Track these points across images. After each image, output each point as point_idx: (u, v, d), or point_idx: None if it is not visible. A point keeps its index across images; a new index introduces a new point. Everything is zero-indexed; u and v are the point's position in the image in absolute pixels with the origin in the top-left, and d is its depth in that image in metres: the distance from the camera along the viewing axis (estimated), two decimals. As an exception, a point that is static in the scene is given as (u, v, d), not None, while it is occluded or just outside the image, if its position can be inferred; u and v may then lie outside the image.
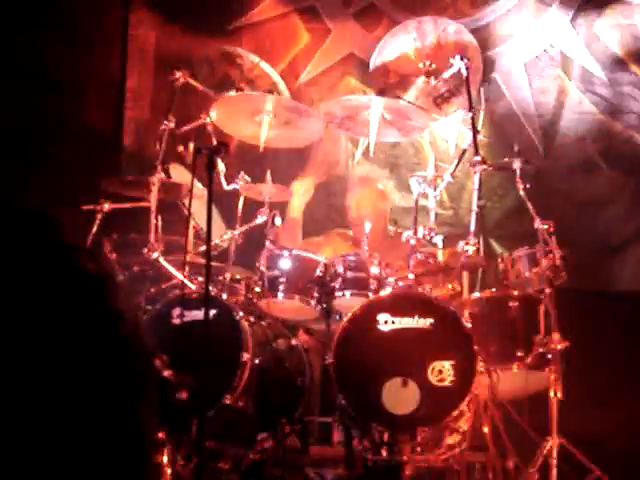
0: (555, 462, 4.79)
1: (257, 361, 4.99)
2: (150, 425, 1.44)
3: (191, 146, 5.29)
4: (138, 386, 1.43)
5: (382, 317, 4.88)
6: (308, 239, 6.28)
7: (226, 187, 5.59)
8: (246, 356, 4.93)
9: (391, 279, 5.19)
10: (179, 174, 5.66)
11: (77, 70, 7.09)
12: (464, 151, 5.48)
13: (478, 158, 5.20)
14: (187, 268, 5.24)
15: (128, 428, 1.40)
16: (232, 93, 5.75)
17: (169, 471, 4.40)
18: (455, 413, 4.80)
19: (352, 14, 7.33)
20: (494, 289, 5.26)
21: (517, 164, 5.33)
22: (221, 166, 5.53)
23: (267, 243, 5.29)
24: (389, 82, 5.76)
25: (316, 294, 5.21)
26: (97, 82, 7.26)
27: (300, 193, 6.32)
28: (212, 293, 4.96)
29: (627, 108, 7.09)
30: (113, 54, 7.34)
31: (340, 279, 5.17)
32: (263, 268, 5.22)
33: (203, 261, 4.74)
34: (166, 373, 4.76)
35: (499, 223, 6.92)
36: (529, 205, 5.21)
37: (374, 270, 5.18)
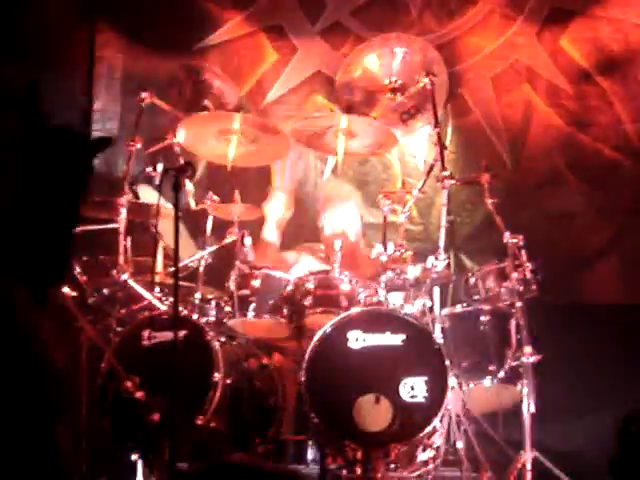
0: (530, 475, 4.78)
1: (229, 381, 4.96)
2: (66, 445, 1.42)
3: (159, 167, 5.26)
4: (54, 410, 1.41)
5: (353, 334, 4.86)
6: (281, 253, 6.28)
7: (194, 207, 5.58)
8: (218, 376, 4.90)
9: (362, 296, 5.18)
10: (148, 195, 5.63)
11: (44, 93, 7.04)
12: (432, 166, 5.49)
13: (446, 173, 5.20)
14: (157, 289, 5.23)
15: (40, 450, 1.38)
16: (201, 113, 5.73)
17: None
18: (428, 429, 4.78)
19: (318, 32, 7.35)
20: (465, 304, 5.26)
21: (485, 178, 5.35)
22: (190, 186, 5.51)
23: (237, 262, 5.28)
24: (355, 99, 5.75)
25: (287, 312, 5.20)
26: (64, 104, 7.22)
27: (274, 215, 6.31)
28: (182, 313, 4.94)
29: (594, 120, 7.13)
30: (80, 76, 7.31)
31: (310, 297, 5.16)
32: (233, 287, 5.21)
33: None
34: (137, 395, 4.73)
35: (469, 238, 6.93)
36: (498, 219, 5.23)
37: (344, 287, 5.17)
